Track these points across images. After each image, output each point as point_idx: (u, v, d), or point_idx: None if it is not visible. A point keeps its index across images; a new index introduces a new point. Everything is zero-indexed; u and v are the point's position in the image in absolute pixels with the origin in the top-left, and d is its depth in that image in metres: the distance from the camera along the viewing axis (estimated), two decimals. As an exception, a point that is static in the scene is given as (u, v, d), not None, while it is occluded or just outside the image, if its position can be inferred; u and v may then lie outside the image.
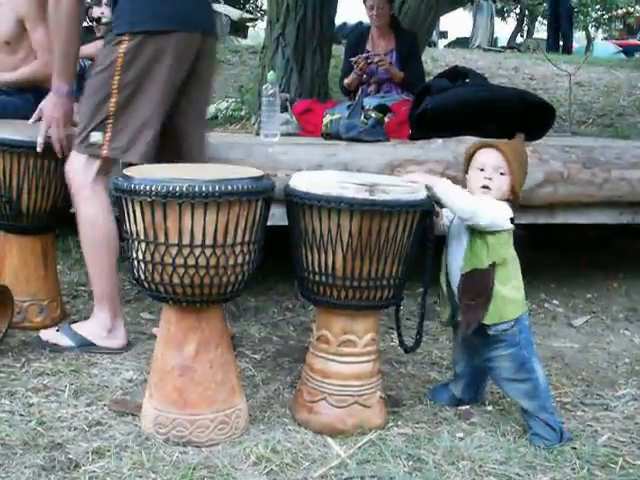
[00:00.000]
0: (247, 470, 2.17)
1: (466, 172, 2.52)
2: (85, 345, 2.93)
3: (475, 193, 2.44)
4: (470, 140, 3.39)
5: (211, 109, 6.89)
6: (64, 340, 2.94)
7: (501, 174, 2.42)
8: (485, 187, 2.43)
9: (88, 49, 4.75)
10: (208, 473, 2.13)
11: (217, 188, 2.13)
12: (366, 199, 2.25)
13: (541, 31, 27.33)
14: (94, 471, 2.11)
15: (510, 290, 2.42)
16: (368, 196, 2.26)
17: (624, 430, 2.57)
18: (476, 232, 2.40)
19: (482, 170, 2.44)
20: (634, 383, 2.97)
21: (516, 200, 2.46)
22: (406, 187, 2.39)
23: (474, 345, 2.53)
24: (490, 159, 2.44)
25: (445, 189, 2.40)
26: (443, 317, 2.62)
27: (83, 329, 2.96)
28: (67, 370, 2.75)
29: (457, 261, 2.46)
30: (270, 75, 3.94)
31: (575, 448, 2.39)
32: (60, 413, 2.44)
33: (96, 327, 2.95)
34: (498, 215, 2.39)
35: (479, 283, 2.40)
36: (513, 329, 2.43)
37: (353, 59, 4.98)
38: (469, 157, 2.50)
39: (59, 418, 2.41)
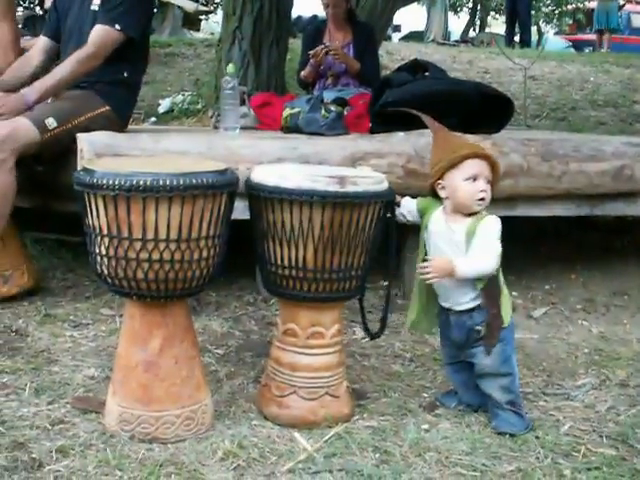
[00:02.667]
0: (214, 466, 2.15)
1: (440, 177, 2.42)
2: None
3: (468, 204, 2.39)
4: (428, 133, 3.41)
5: (167, 102, 6.86)
6: None
7: (489, 183, 2.41)
8: (483, 199, 2.39)
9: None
10: (175, 470, 2.11)
11: (182, 182, 2.10)
12: (337, 191, 2.25)
13: (494, 25, 27.61)
14: (58, 470, 2.07)
15: (506, 289, 2.47)
16: (339, 188, 2.26)
17: (585, 419, 2.60)
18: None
19: (475, 180, 2.37)
20: (593, 372, 3.01)
21: None
22: (371, 177, 2.39)
23: (459, 344, 2.51)
24: (485, 170, 2.39)
25: (463, 273, 2.36)
26: (407, 321, 2.62)
27: None
28: (27, 368, 2.70)
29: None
30: (229, 68, 3.92)
31: (538, 437, 2.42)
32: (21, 412, 2.39)
33: None
34: (498, 244, 2.38)
35: (494, 290, 2.42)
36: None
37: (311, 52, 4.96)
38: (452, 164, 2.39)
39: (20, 417, 2.36)
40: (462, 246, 2.39)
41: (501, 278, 2.45)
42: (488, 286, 2.41)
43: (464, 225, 2.39)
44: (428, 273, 2.37)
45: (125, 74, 3.59)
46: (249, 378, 2.76)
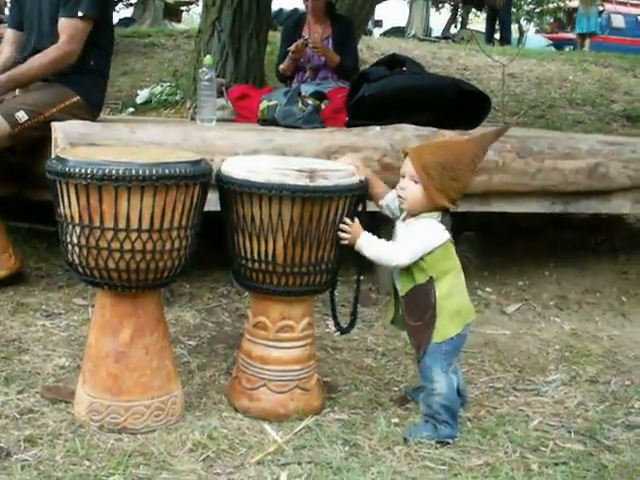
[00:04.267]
0: (183, 457, 2.15)
1: None
2: None
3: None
4: (407, 128, 3.42)
5: (145, 93, 6.83)
6: None
7: (415, 182, 2.33)
8: (399, 197, 2.38)
9: None
10: (144, 460, 2.11)
11: (154, 172, 2.10)
12: (307, 186, 2.25)
13: (475, 22, 27.69)
14: (26, 460, 2.07)
15: (454, 303, 2.36)
16: (309, 182, 2.25)
17: (554, 414, 2.63)
18: None
19: (403, 178, 2.37)
20: (564, 369, 3.04)
21: (452, 206, 2.34)
22: (343, 171, 2.38)
23: None
24: (407, 168, 2.35)
25: (361, 245, 2.35)
26: (386, 318, 2.62)
27: None
28: (-3, 357, 2.69)
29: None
30: (207, 59, 3.90)
31: (507, 432, 2.43)
32: (-10, 401, 2.38)
33: None
34: (431, 242, 2.31)
35: (421, 300, 2.35)
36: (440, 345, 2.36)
37: (291, 47, 4.95)
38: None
39: (-11, 406, 2.35)
40: None
41: (453, 295, 2.36)
42: (409, 295, 2.37)
43: (406, 223, 2.40)
44: (345, 232, 2.37)
45: (92, 62, 3.57)
46: (221, 370, 2.76)
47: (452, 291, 2.36)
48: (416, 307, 2.37)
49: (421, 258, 2.32)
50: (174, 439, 2.23)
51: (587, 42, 16.32)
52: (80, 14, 3.41)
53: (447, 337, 2.35)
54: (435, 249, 2.32)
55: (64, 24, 3.43)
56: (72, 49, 3.44)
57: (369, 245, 2.36)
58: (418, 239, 2.33)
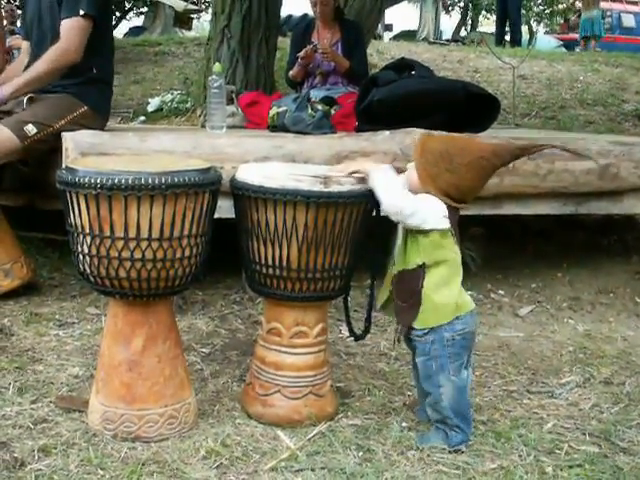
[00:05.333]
0: (197, 465, 2.15)
1: None
2: None
3: None
4: (417, 132, 3.41)
5: (156, 101, 6.85)
6: None
7: (414, 165, 2.31)
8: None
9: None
10: (157, 468, 2.11)
11: (163, 180, 2.11)
12: (322, 192, 2.26)
13: (485, 25, 27.66)
14: (40, 469, 2.08)
15: (443, 295, 2.31)
16: (323, 188, 2.26)
17: (568, 417, 2.61)
18: (409, 230, 2.31)
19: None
20: (578, 370, 3.02)
21: (443, 198, 2.27)
22: (357, 177, 2.39)
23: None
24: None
25: (377, 178, 2.30)
26: (379, 302, 2.58)
27: None
28: (11, 367, 2.70)
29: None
30: (216, 67, 3.91)
31: (522, 436, 2.42)
32: (4, 411, 2.39)
33: None
34: (430, 215, 2.26)
35: (408, 284, 2.32)
36: (426, 337, 2.32)
37: (300, 54, 4.96)
38: None
39: (3, 416, 2.36)
40: (401, 232, 2.37)
41: (442, 288, 2.30)
42: (400, 276, 2.34)
43: None
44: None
45: (94, 70, 3.57)
46: (234, 377, 2.76)
47: (442, 283, 2.30)
48: (404, 289, 2.35)
49: (422, 233, 2.27)
50: (187, 447, 2.24)
51: (592, 44, 16.28)
52: (82, 12, 3.39)
53: (428, 326, 2.31)
54: (436, 231, 2.27)
55: (66, 25, 3.42)
56: (74, 47, 3.41)
57: (384, 182, 2.29)
58: (423, 202, 2.27)
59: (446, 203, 2.28)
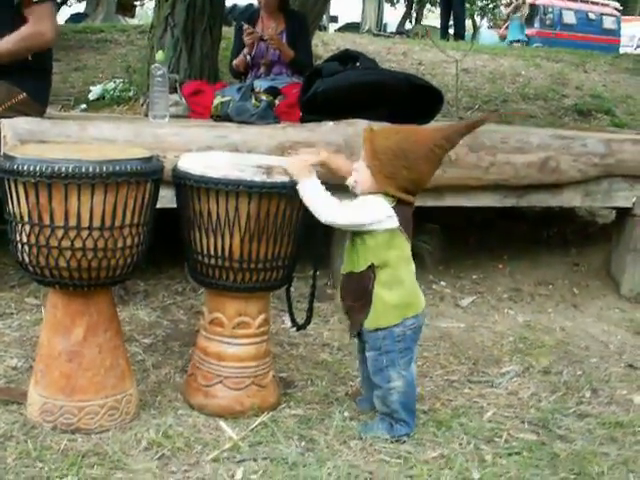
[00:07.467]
0: (138, 456, 2.14)
1: None
2: None
3: None
4: (360, 123, 3.42)
5: (98, 89, 6.73)
6: None
7: (367, 166, 2.26)
8: (354, 180, 2.33)
9: None
10: (98, 460, 2.09)
11: (105, 169, 2.08)
12: (265, 182, 2.25)
13: (430, 18, 27.83)
14: (-24, 462, 2.04)
15: (394, 295, 2.29)
16: (266, 179, 2.25)
17: (508, 405, 2.66)
18: (357, 232, 2.30)
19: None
20: (517, 360, 3.07)
21: (403, 196, 2.25)
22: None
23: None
24: (363, 151, 2.30)
25: (305, 190, 2.27)
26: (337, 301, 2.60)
27: None
28: (-53, 358, 2.65)
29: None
30: (159, 55, 3.86)
31: (462, 424, 2.46)
32: (-61, 403, 2.34)
33: None
34: (372, 219, 2.24)
35: (357, 286, 2.32)
36: (377, 332, 2.32)
37: (247, 27, 4.89)
38: None
39: (-62, 408, 2.31)
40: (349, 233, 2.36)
41: (394, 288, 2.29)
42: (349, 276, 2.34)
43: None
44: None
45: (30, 57, 3.51)
46: (176, 368, 2.75)
47: (393, 282, 2.29)
48: (353, 290, 2.34)
49: (368, 234, 2.25)
50: (129, 438, 2.22)
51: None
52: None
53: (380, 326, 2.30)
54: (378, 230, 2.25)
55: (38, 9, 3.32)
56: (49, 31, 3.34)
57: (312, 188, 2.27)
58: (362, 207, 2.26)
59: (405, 200, 2.26)
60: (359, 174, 2.30)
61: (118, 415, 2.29)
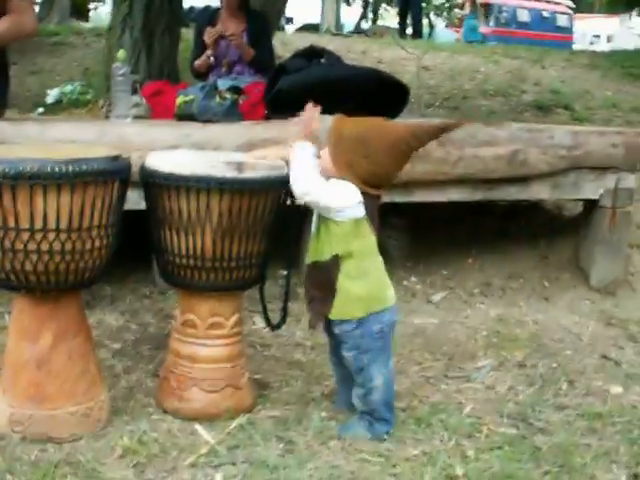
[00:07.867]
0: (113, 464, 2.08)
1: None
2: None
3: None
4: (326, 119, 3.37)
5: (55, 93, 6.63)
6: None
7: (330, 153, 2.23)
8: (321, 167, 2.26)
9: None
10: (71, 470, 2.03)
11: (70, 168, 2.02)
12: (236, 178, 2.20)
13: (386, 18, 27.94)
14: (-57, 477, 1.96)
15: (358, 286, 2.25)
16: (237, 174, 2.20)
17: (486, 400, 2.64)
18: (322, 219, 2.24)
19: None
20: (492, 354, 3.06)
21: (362, 186, 2.20)
22: (272, 163, 2.34)
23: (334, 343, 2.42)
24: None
25: (297, 155, 2.20)
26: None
27: None
28: None
29: None
30: (120, 54, 3.80)
31: (442, 421, 2.43)
32: None
33: None
34: (343, 202, 2.19)
35: (322, 276, 2.26)
36: (355, 331, 2.27)
37: (209, 29, 4.83)
38: None
39: None
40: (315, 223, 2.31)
41: (358, 279, 2.24)
42: (314, 266, 2.29)
43: None
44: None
45: None
46: (147, 372, 2.69)
47: (358, 273, 2.25)
48: (317, 279, 2.29)
49: (335, 222, 2.20)
50: (102, 446, 2.16)
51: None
52: None
53: (344, 317, 2.26)
54: (344, 219, 2.20)
55: (21, 4, 3.30)
56: (31, 23, 3.35)
57: (303, 155, 2.19)
58: (335, 186, 2.20)
59: (363, 190, 2.21)
60: (323, 160, 2.24)
61: (90, 422, 2.23)
